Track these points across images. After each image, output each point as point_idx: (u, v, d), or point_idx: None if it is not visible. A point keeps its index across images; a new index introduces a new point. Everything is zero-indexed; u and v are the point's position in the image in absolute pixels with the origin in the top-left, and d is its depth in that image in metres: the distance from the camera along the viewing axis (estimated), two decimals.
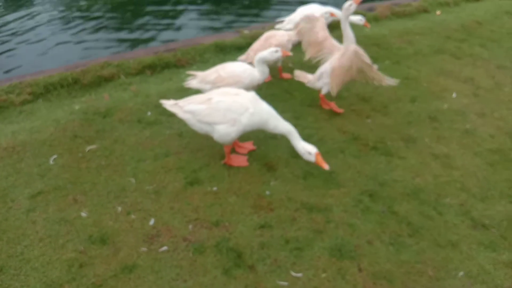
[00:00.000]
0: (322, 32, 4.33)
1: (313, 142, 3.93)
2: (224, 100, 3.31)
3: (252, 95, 3.39)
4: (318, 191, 3.41)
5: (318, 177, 3.55)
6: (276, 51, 3.87)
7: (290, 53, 4.05)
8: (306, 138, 3.98)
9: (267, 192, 3.35)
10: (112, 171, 3.55)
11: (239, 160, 3.63)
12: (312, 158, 3.25)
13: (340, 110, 4.41)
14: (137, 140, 3.88)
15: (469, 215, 3.27)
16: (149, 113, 4.24)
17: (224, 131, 3.33)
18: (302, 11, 5.47)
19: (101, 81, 4.86)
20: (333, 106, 4.42)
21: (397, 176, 3.59)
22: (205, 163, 3.60)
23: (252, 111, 3.28)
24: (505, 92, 5.01)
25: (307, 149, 3.25)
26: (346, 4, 4.19)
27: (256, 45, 4.82)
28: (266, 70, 3.93)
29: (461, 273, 2.84)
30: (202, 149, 3.75)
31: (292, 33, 4.82)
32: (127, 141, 3.87)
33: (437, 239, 3.04)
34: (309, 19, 4.43)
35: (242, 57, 4.84)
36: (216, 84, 3.85)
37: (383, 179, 3.54)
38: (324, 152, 3.80)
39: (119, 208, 3.19)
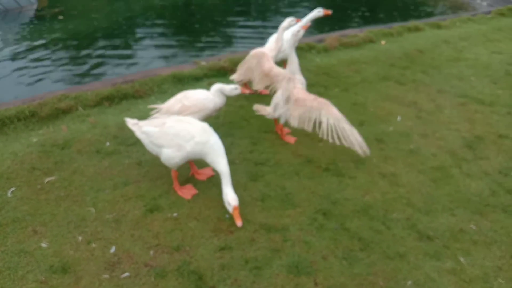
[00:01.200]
0: (267, 64, 4.58)
1: (270, 165, 4.15)
2: (175, 126, 3.49)
3: (205, 126, 3.54)
4: (275, 212, 3.57)
5: (275, 198, 3.72)
6: (236, 89, 4.05)
7: (247, 92, 4.22)
8: (263, 162, 4.19)
9: (227, 216, 3.47)
10: (71, 201, 3.57)
11: (184, 191, 3.71)
12: (229, 209, 3.32)
13: (292, 141, 4.60)
14: (96, 170, 3.92)
15: (415, 228, 3.52)
16: (107, 144, 4.30)
17: (169, 155, 3.49)
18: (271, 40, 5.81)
19: (59, 113, 4.87)
20: (286, 136, 4.64)
21: (348, 194, 3.82)
22: (165, 191, 3.70)
23: (198, 140, 3.42)
24: (445, 114, 5.42)
25: (228, 199, 3.31)
26: (294, 30, 4.44)
27: (243, 64, 5.11)
28: (224, 98, 4.11)
29: (409, 282, 3.05)
30: (162, 177, 3.85)
31: (272, 50, 5.19)
32: (86, 171, 3.91)
33: (387, 251, 3.26)
34: (256, 55, 4.72)
35: (234, 76, 5.20)
36: (181, 114, 4.00)
37: (336, 198, 3.76)
38: (280, 175, 4.02)
39: (80, 238, 3.21)
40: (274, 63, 5.01)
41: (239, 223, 3.27)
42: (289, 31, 5.74)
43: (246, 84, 5.35)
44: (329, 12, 5.42)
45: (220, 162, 3.43)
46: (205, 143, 3.43)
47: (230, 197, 3.31)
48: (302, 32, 4.45)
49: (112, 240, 3.20)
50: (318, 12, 5.40)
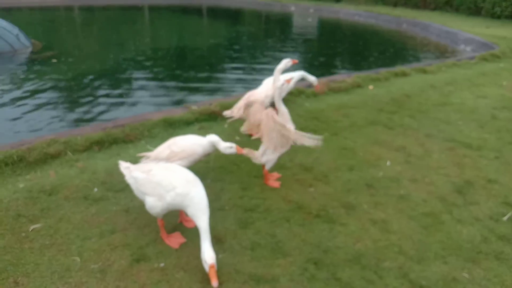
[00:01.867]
0: (259, 114, 4.63)
1: (260, 212, 4.10)
2: (158, 174, 3.44)
3: (189, 177, 3.44)
4: (265, 261, 3.50)
5: (265, 247, 3.65)
6: (231, 147, 4.01)
7: (244, 151, 4.20)
8: (253, 208, 4.15)
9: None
10: (56, 250, 3.47)
11: (171, 240, 3.63)
12: (206, 267, 3.15)
13: (276, 185, 4.58)
14: (83, 217, 3.85)
15: (407, 277, 3.45)
16: (95, 190, 4.25)
17: (151, 204, 3.45)
18: (268, 82, 6.07)
19: (47, 158, 4.84)
20: (270, 181, 4.62)
21: (339, 242, 3.77)
22: (152, 239, 3.62)
23: (179, 191, 3.33)
24: (433, 159, 5.47)
25: (205, 257, 3.13)
26: (279, 84, 4.49)
27: (240, 103, 5.49)
28: (215, 148, 4.10)
29: None
30: (150, 224, 3.78)
31: (269, 90, 5.40)
32: (72, 219, 3.83)
33: None
34: (251, 103, 4.84)
35: (227, 112, 5.49)
36: (170, 160, 3.99)
37: (327, 246, 3.70)
38: (270, 222, 3.97)
39: None
40: (270, 104, 5.21)
41: (214, 283, 3.05)
42: (268, 81, 5.97)
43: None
44: (296, 61, 5.59)
45: (199, 216, 3.27)
46: (186, 195, 3.33)
47: (207, 255, 3.12)
48: (286, 86, 4.54)
49: None
50: (287, 62, 5.52)
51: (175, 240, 3.63)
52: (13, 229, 3.67)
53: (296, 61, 5.62)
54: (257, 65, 11.72)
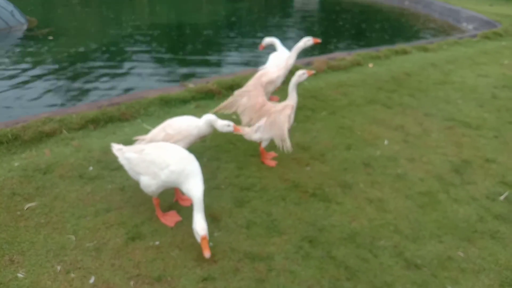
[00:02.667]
0: (261, 98, 4.57)
1: (256, 190, 4.09)
2: (151, 153, 3.42)
3: (185, 154, 3.43)
4: (260, 239, 3.50)
5: (261, 225, 3.65)
6: (228, 126, 3.97)
7: (242, 131, 4.20)
8: (249, 187, 4.13)
9: (211, 244, 3.39)
10: (51, 229, 3.47)
11: (167, 218, 3.62)
12: (198, 238, 3.16)
13: (272, 164, 4.57)
14: (78, 196, 3.84)
15: (402, 256, 3.46)
16: (90, 168, 4.23)
17: (146, 183, 3.43)
18: (274, 57, 6.05)
19: (42, 136, 4.80)
20: (267, 160, 4.61)
21: (334, 221, 3.77)
22: (148, 217, 3.61)
23: (173, 169, 3.31)
24: (432, 138, 5.43)
25: (196, 228, 3.14)
26: (300, 72, 4.41)
27: (250, 82, 5.23)
28: (212, 129, 4.05)
29: None
30: (145, 203, 3.77)
31: (281, 69, 5.34)
32: (67, 197, 3.82)
33: (373, 281, 3.19)
34: (263, 83, 4.97)
35: (237, 92, 5.17)
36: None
37: (322, 225, 3.70)
38: (266, 201, 3.96)
39: (58, 267, 3.10)
40: (282, 82, 5.35)
41: (207, 254, 3.08)
42: (279, 56, 5.91)
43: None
44: (319, 40, 5.49)
45: (194, 189, 3.25)
46: (181, 172, 3.31)
47: (199, 226, 3.13)
48: (306, 76, 4.44)
49: (91, 270, 3.10)
50: (307, 41, 5.46)
51: (171, 219, 3.63)
52: (8, 207, 3.66)
53: (319, 40, 5.43)
54: (256, 42, 11.56)
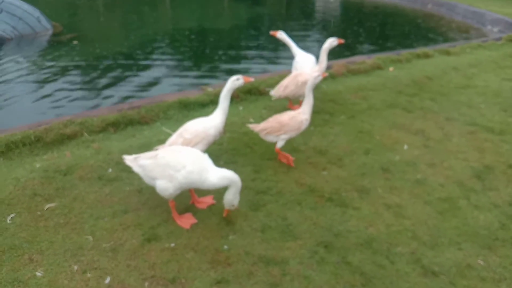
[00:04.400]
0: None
1: (272, 194, 4.09)
2: (166, 156, 3.46)
3: (197, 153, 3.51)
4: (275, 243, 3.49)
5: (276, 229, 3.64)
6: (238, 79, 4.07)
7: (252, 79, 4.26)
8: (265, 190, 4.13)
9: (225, 247, 3.40)
10: (70, 229, 3.54)
11: (183, 221, 3.66)
12: (229, 207, 3.59)
13: (292, 163, 4.60)
14: (97, 197, 3.90)
15: (419, 263, 3.40)
16: (110, 170, 4.30)
17: (162, 186, 3.46)
18: (301, 57, 6.15)
19: (63, 139, 4.91)
20: (285, 158, 4.62)
21: (351, 226, 3.72)
22: (164, 219, 3.65)
23: (190, 169, 3.37)
24: (453, 143, 5.32)
25: (235, 202, 3.58)
26: (314, 74, 4.47)
27: (285, 81, 5.59)
28: (227, 106, 4.14)
29: None
30: (161, 205, 3.80)
31: (316, 71, 5.41)
32: (86, 198, 3.89)
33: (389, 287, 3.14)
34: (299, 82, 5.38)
35: (273, 92, 5.63)
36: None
37: (338, 230, 3.66)
38: (281, 205, 3.95)
39: (75, 267, 3.17)
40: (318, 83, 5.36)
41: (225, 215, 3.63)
42: (306, 59, 5.95)
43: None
44: (342, 41, 5.52)
45: (217, 171, 3.46)
46: (200, 171, 3.39)
47: (237, 200, 3.56)
48: (320, 78, 4.48)
49: (107, 270, 3.15)
50: (333, 41, 5.51)
51: (187, 221, 3.65)
52: (29, 207, 3.76)
53: (343, 40, 5.54)
54: (277, 47, 11.57)
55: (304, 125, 4.46)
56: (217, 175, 3.43)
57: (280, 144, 4.47)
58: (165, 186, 3.45)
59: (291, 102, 6.01)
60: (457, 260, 3.46)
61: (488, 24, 15.31)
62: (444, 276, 3.28)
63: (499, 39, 11.37)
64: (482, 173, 4.68)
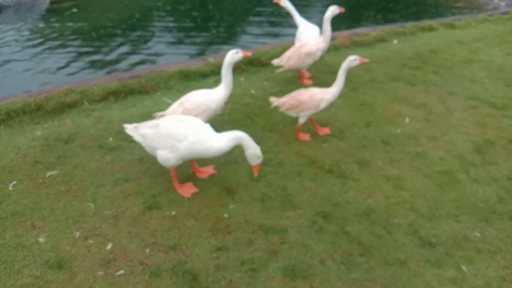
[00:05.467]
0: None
1: (272, 165, 4.11)
2: (167, 126, 3.43)
3: (199, 123, 3.48)
4: (275, 213, 3.53)
5: (276, 199, 3.67)
6: (237, 53, 3.98)
7: (249, 53, 4.18)
8: (266, 161, 4.14)
9: (226, 215, 3.44)
10: (71, 196, 3.57)
11: (184, 190, 3.67)
12: (255, 162, 3.45)
13: (307, 138, 4.61)
14: (98, 165, 3.92)
15: (417, 234, 3.44)
16: (111, 139, 4.30)
17: (164, 157, 3.45)
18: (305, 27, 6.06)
19: (64, 107, 4.89)
20: (302, 135, 4.63)
21: (350, 197, 3.75)
22: (165, 188, 3.68)
23: (192, 140, 3.35)
24: (455, 117, 5.30)
25: (258, 153, 3.41)
26: (351, 58, 4.34)
27: (289, 52, 5.54)
28: (228, 92, 4.04)
29: None
30: (163, 174, 3.82)
31: (320, 43, 5.48)
32: (87, 166, 3.91)
33: (386, 257, 3.19)
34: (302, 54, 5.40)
35: (276, 61, 5.58)
36: None
37: (337, 201, 3.69)
38: (281, 176, 3.97)
39: (77, 233, 3.21)
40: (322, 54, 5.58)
41: (256, 174, 3.52)
42: (310, 29, 5.85)
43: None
44: (343, 9, 5.42)
45: (222, 135, 3.41)
46: (202, 141, 3.36)
47: (258, 152, 3.41)
48: (357, 62, 4.35)
49: (109, 236, 3.20)
50: (334, 9, 5.40)
51: (187, 190, 3.68)
52: (31, 175, 3.78)
53: (343, 9, 5.45)
54: (280, 16, 11.39)
55: (323, 105, 4.38)
56: (222, 139, 3.39)
57: (301, 120, 4.47)
58: (167, 156, 3.45)
59: (300, 72, 5.96)
60: (454, 232, 3.51)
61: None
62: (440, 247, 3.33)
63: (506, 13, 11.17)
64: (482, 147, 4.69)
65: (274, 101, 4.53)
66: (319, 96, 4.36)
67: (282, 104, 4.45)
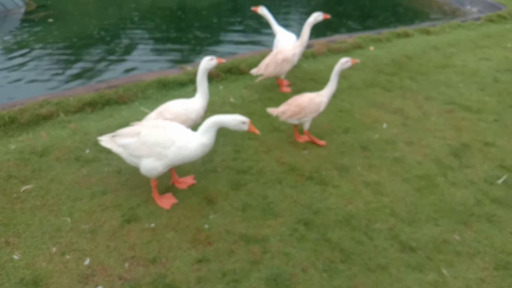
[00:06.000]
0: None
1: (253, 173, 4.09)
2: (152, 133, 3.38)
3: (181, 127, 3.47)
4: (256, 222, 3.50)
5: (256, 208, 3.65)
6: (211, 59, 3.99)
7: (223, 60, 4.18)
8: (246, 170, 4.13)
9: (206, 226, 3.41)
10: (47, 211, 3.48)
11: (163, 201, 3.61)
12: (245, 127, 3.35)
13: (323, 143, 4.68)
14: (74, 178, 3.84)
15: (397, 239, 3.46)
16: (87, 151, 4.22)
17: (150, 166, 3.38)
18: (282, 35, 6.09)
19: (39, 119, 4.78)
20: (313, 138, 4.71)
21: (330, 204, 3.76)
22: (144, 200, 3.62)
23: (179, 144, 3.32)
24: (431, 122, 5.39)
25: (240, 119, 3.33)
26: (343, 60, 4.43)
27: (266, 60, 5.57)
28: (206, 88, 4.03)
29: None
30: (141, 185, 3.76)
31: (296, 47, 5.51)
32: (63, 180, 3.82)
33: (368, 263, 3.20)
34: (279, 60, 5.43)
35: (254, 70, 5.59)
36: None
37: (318, 208, 3.70)
38: (262, 184, 3.96)
39: (54, 249, 3.13)
40: (299, 58, 5.62)
41: (258, 131, 3.41)
42: (287, 37, 5.89)
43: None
44: (328, 16, 5.48)
45: (203, 125, 3.37)
46: (188, 145, 3.33)
47: (239, 117, 3.33)
48: (349, 64, 4.46)
49: (87, 251, 3.12)
50: (318, 16, 5.44)
51: (167, 201, 3.63)
52: (4, 190, 3.67)
53: (328, 16, 5.49)
54: (258, 25, 11.43)
55: (323, 107, 4.48)
56: (201, 134, 3.35)
57: (306, 126, 4.53)
58: (153, 165, 3.38)
59: (278, 79, 5.99)
60: (433, 235, 3.54)
61: (467, 4, 15.40)
62: (421, 251, 3.36)
63: (478, 19, 11.46)
64: (459, 151, 4.77)
65: (273, 111, 4.57)
66: (318, 99, 4.46)
67: (282, 113, 4.48)
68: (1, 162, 3.98)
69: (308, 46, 7.40)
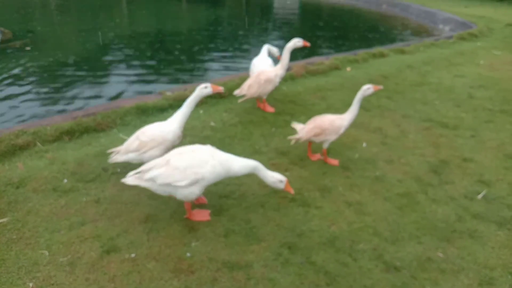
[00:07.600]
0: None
1: (235, 198, 4.05)
2: (182, 159, 3.40)
3: (208, 147, 3.55)
4: (239, 248, 3.45)
5: (239, 233, 3.60)
6: (206, 87, 3.99)
7: (221, 88, 4.10)
8: (228, 194, 4.09)
9: (188, 254, 3.34)
10: (24, 244, 3.37)
11: (199, 215, 3.70)
12: (282, 186, 3.62)
13: (335, 163, 4.78)
14: (52, 210, 3.74)
15: (382, 258, 3.45)
16: (65, 181, 4.13)
17: (187, 190, 3.42)
18: (256, 63, 6.27)
19: (15, 150, 4.68)
20: (330, 160, 4.82)
21: (314, 226, 3.74)
22: (123, 229, 3.54)
23: (213, 163, 3.40)
24: (410, 139, 5.46)
25: (278, 178, 3.60)
26: (365, 87, 4.55)
27: (249, 81, 5.67)
28: (189, 111, 4.08)
29: None
30: (121, 215, 3.69)
31: (278, 69, 5.64)
32: (41, 211, 3.72)
33: (353, 285, 3.16)
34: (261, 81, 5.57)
35: (237, 91, 5.69)
36: (140, 151, 3.89)
37: (301, 230, 3.67)
38: (244, 208, 3.92)
39: (31, 284, 3.01)
40: (280, 81, 5.75)
41: (292, 191, 3.72)
42: (262, 61, 6.02)
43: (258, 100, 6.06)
44: (308, 44, 5.60)
45: (245, 161, 3.57)
46: (221, 161, 3.44)
47: (279, 176, 3.61)
48: (371, 91, 4.55)
49: (65, 285, 3.02)
50: (297, 42, 5.56)
51: (203, 214, 3.73)
52: None
53: (308, 44, 5.61)
54: (236, 50, 11.56)
55: (342, 130, 4.60)
56: (239, 163, 3.54)
57: (326, 145, 4.66)
58: (190, 189, 3.42)
59: (258, 100, 6.06)
60: (417, 254, 3.54)
61: (440, 23, 15.90)
62: (405, 271, 3.35)
63: (450, 37, 11.82)
64: (438, 167, 4.83)
65: (296, 138, 4.65)
66: (338, 122, 4.58)
67: (303, 136, 4.59)
68: None
69: (287, 69, 7.51)
